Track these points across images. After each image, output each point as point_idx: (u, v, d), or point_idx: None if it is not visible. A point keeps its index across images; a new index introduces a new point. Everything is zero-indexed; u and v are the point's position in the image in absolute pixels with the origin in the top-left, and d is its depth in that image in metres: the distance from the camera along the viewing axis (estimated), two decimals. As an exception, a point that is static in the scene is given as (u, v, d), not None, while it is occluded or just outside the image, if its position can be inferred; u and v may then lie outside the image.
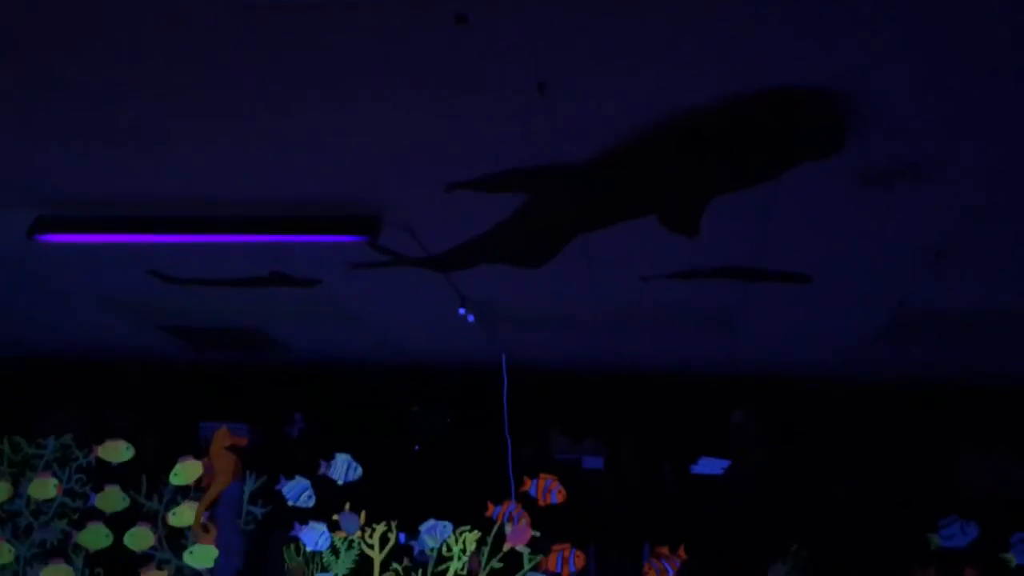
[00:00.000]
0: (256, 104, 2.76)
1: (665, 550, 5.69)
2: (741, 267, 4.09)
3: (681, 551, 5.64)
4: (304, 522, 6.06)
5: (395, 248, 4.07)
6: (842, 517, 5.66)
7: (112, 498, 6.32)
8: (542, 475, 5.93)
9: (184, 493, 6.23)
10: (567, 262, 4.14)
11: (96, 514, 6.26)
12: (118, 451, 6.36)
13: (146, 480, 6.33)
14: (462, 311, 4.82)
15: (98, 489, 6.32)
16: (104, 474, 6.34)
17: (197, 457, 6.08)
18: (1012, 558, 5.31)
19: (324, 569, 6.03)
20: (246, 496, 6.19)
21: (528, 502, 5.89)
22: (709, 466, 6.01)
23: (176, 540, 6.17)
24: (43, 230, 3.71)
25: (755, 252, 3.91)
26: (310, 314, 5.39)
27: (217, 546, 3.09)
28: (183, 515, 6.15)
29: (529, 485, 5.93)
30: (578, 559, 5.77)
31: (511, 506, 5.90)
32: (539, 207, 3.48)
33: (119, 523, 6.21)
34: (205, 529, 3.08)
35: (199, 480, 3.11)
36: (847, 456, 5.81)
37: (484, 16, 2.25)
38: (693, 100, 2.60)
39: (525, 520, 5.88)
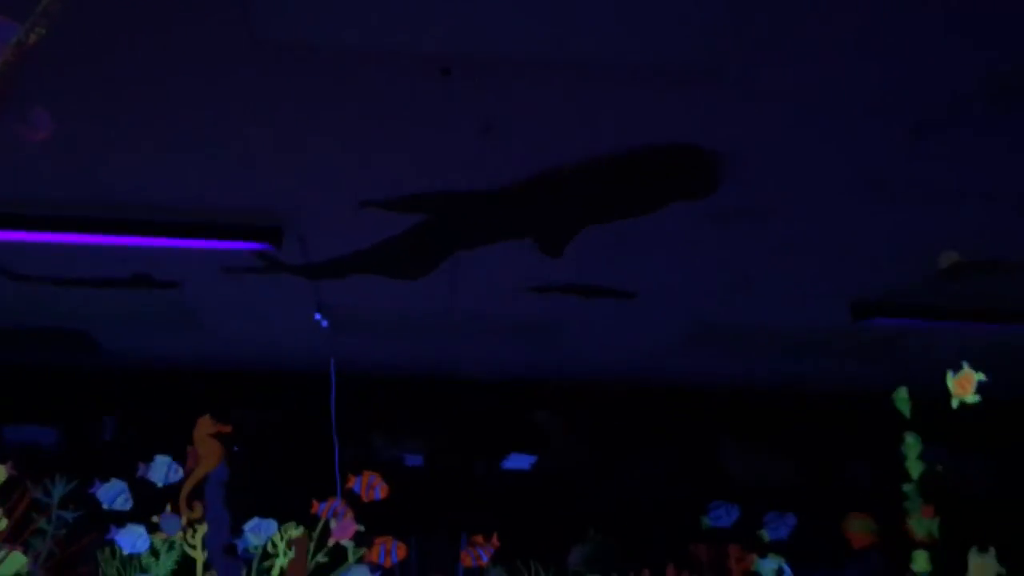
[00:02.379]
0: (180, 112, 2.98)
1: (480, 539, 6.20)
2: (582, 284, 4.73)
3: (494, 539, 6.17)
4: (121, 525, 6.00)
5: (276, 255, 4.33)
6: (631, 504, 6.48)
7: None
8: (366, 472, 6.21)
9: (-16, 500, 5.96)
10: (433, 274, 4.59)
11: None
12: (-92, 457, 5.95)
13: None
14: (318, 316, 5.11)
15: None
16: None
17: (0, 462, 5.85)
18: (765, 534, 6.33)
19: (144, 571, 6.00)
20: (55, 500, 6.04)
21: (352, 498, 6.15)
22: (518, 461, 6.64)
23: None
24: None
25: (597, 270, 4.56)
26: (148, 317, 5.43)
27: (208, 522, 3.23)
28: (-14, 521, 5.88)
29: (353, 482, 6.17)
30: (400, 550, 6.12)
31: (336, 503, 6.16)
32: (435, 226, 3.92)
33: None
34: (191, 508, 3.22)
35: (191, 464, 3.20)
36: (635, 450, 6.66)
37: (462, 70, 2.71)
38: (603, 148, 3.19)
39: (349, 516, 6.17)
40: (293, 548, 3.39)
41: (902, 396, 5.37)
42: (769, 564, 6.20)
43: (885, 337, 5.37)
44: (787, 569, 6.14)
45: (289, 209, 3.77)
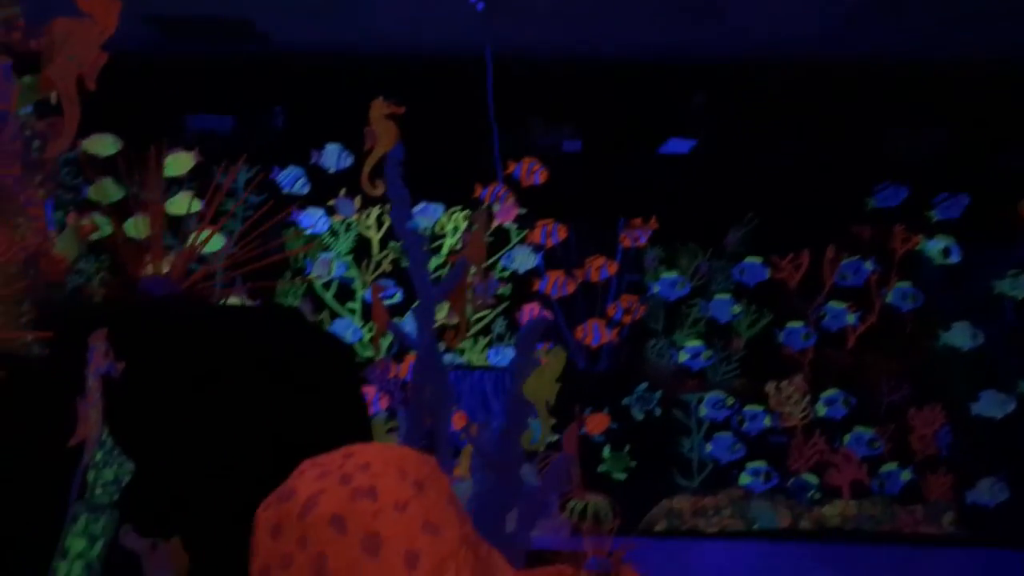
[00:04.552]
0: None
1: (638, 221, 6.33)
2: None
3: (653, 221, 6.29)
4: (301, 208, 6.42)
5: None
6: (791, 186, 6.35)
7: (107, 189, 6.45)
8: (525, 158, 6.33)
9: (178, 184, 6.44)
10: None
11: (90, 205, 6.42)
12: (104, 144, 6.41)
13: (137, 173, 6.47)
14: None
15: (90, 181, 6.43)
16: (93, 168, 6.43)
17: (187, 149, 6.25)
18: (934, 215, 6.17)
19: (326, 249, 6.49)
20: (241, 184, 6.49)
21: (512, 183, 6.32)
22: (676, 145, 6.59)
23: (176, 227, 6.45)
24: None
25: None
26: (311, 2, 5.45)
27: (390, 200, 3.41)
28: (179, 204, 6.40)
29: (513, 167, 6.32)
30: (560, 232, 6.34)
31: (498, 187, 6.35)
32: None
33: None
34: (373, 186, 3.40)
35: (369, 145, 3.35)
36: (799, 131, 6.43)
37: None
38: None
39: (511, 199, 6.36)
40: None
41: (1106, 65, 4.93)
42: (936, 244, 6.08)
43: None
44: (955, 249, 6.01)
45: None
